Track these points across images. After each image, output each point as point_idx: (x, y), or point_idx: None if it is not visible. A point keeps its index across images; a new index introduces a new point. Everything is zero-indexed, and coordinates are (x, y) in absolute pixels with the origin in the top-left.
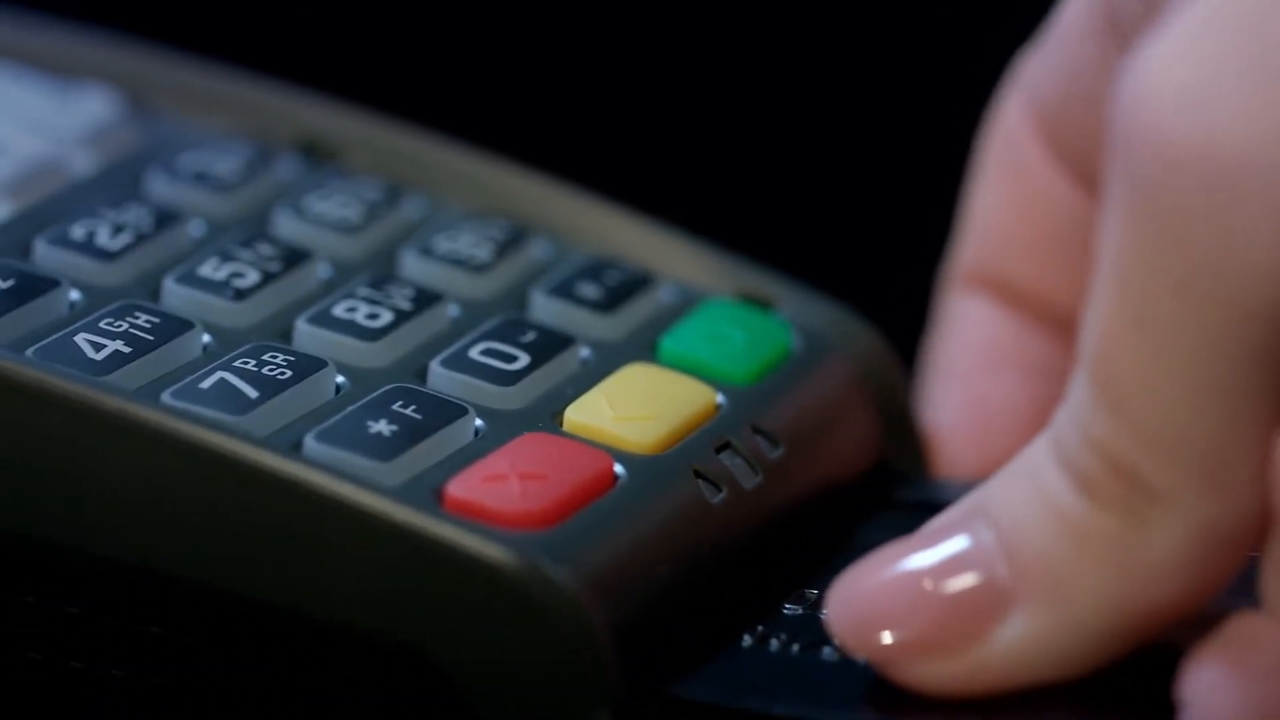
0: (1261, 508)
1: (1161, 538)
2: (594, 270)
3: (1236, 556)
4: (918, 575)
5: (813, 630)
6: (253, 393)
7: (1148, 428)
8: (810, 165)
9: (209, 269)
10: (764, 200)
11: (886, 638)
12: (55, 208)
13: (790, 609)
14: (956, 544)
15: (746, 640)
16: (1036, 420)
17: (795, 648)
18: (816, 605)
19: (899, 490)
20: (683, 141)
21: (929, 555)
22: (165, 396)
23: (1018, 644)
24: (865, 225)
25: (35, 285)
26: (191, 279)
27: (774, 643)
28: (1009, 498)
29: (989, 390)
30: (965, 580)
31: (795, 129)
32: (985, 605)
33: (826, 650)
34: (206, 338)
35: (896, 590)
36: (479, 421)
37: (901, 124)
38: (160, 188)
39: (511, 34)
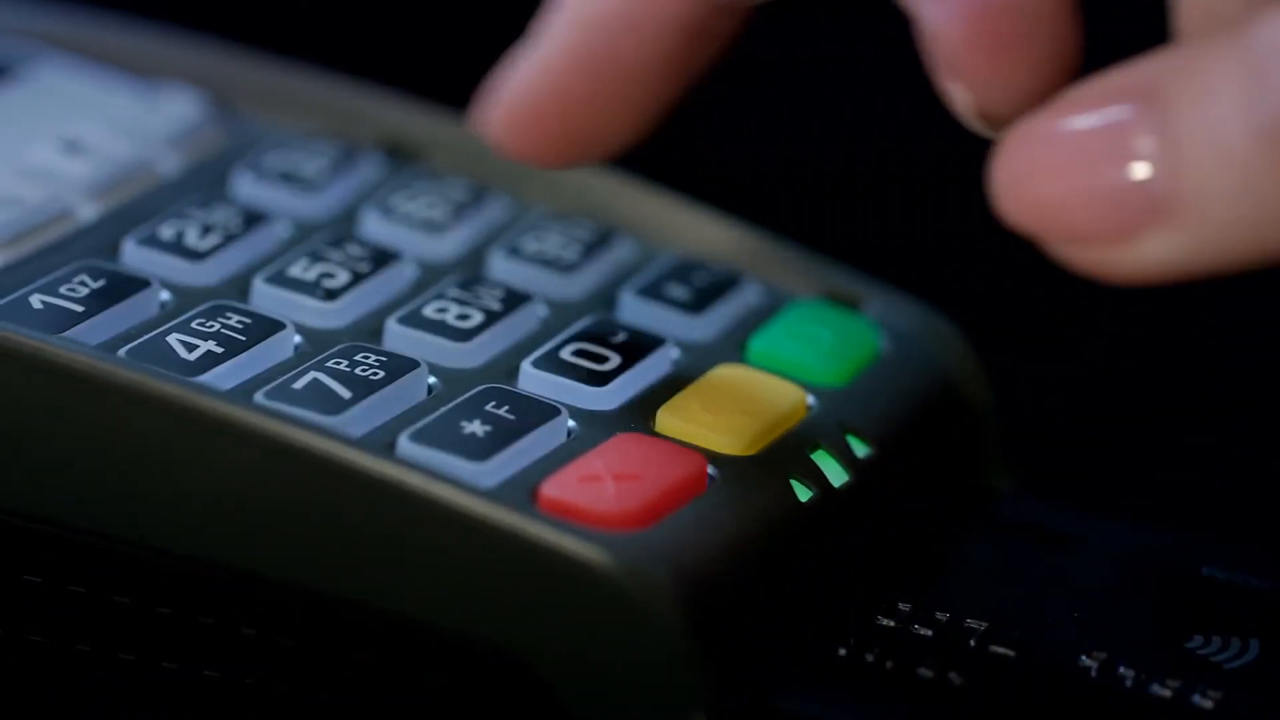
0: None
1: None
2: (682, 271)
3: None
4: (1078, 159)
5: (908, 646)
6: (346, 393)
7: None
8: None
9: (299, 269)
10: (804, 198)
11: (1040, 214)
12: (143, 208)
13: (883, 621)
14: (1118, 129)
15: (841, 651)
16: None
17: (890, 663)
18: (910, 620)
19: (992, 506)
20: (717, 137)
21: (1088, 136)
22: (259, 397)
23: (1163, 255)
24: (906, 220)
25: (126, 285)
26: (281, 279)
27: (867, 656)
28: (1186, 103)
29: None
30: (1119, 176)
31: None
32: (1137, 209)
33: (920, 668)
34: (298, 338)
35: (1055, 170)
36: (571, 422)
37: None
38: (246, 188)
39: None
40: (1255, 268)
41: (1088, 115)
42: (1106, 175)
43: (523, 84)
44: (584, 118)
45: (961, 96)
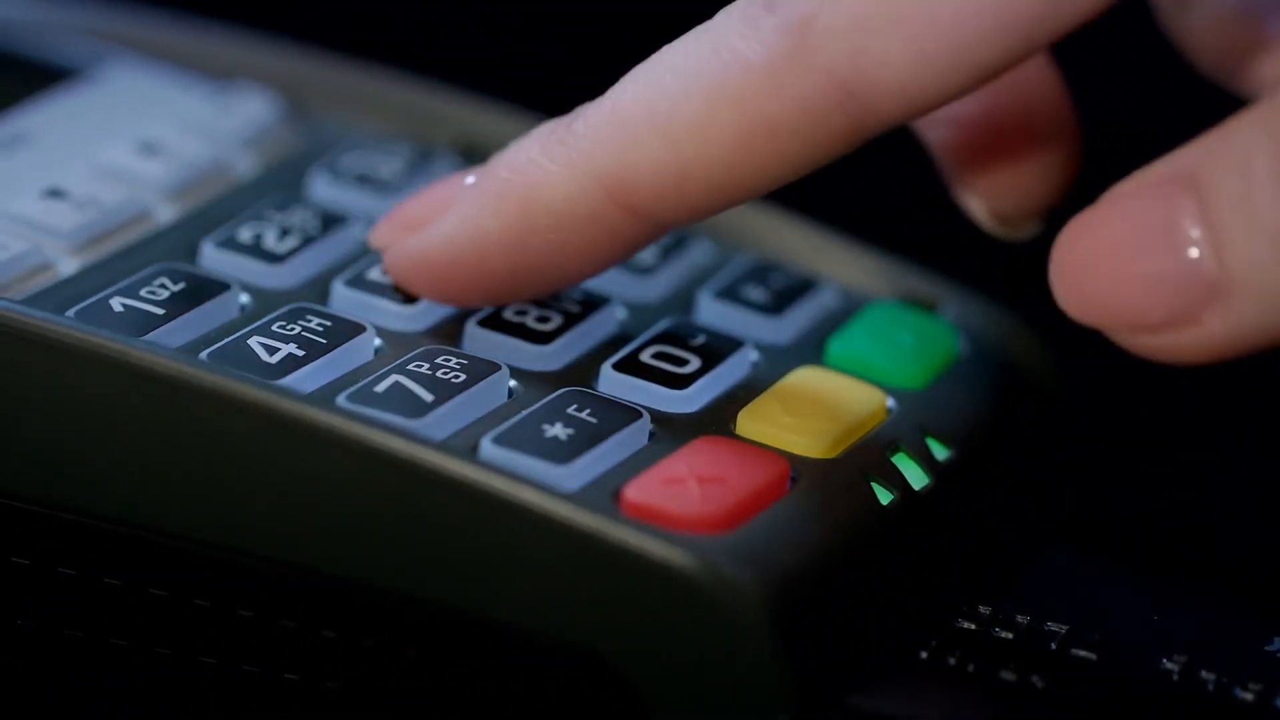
0: None
1: None
2: (759, 273)
3: None
4: (1129, 251)
5: (989, 648)
6: (428, 396)
7: None
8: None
9: (378, 272)
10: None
11: (1100, 307)
12: (220, 210)
13: (964, 624)
14: (1165, 220)
15: (922, 654)
16: None
17: (971, 666)
18: (991, 622)
19: (1071, 505)
20: None
21: (1138, 230)
22: (341, 400)
23: (1225, 334)
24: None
25: (206, 288)
26: (361, 282)
27: (949, 659)
28: (1220, 184)
29: None
30: (1170, 263)
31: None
32: (1192, 294)
33: (1002, 671)
34: (378, 341)
35: (1109, 264)
36: (652, 425)
37: None
38: (323, 189)
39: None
40: None
41: (1134, 207)
42: (1158, 264)
43: (445, 246)
44: (497, 291)
45: (977, 206)
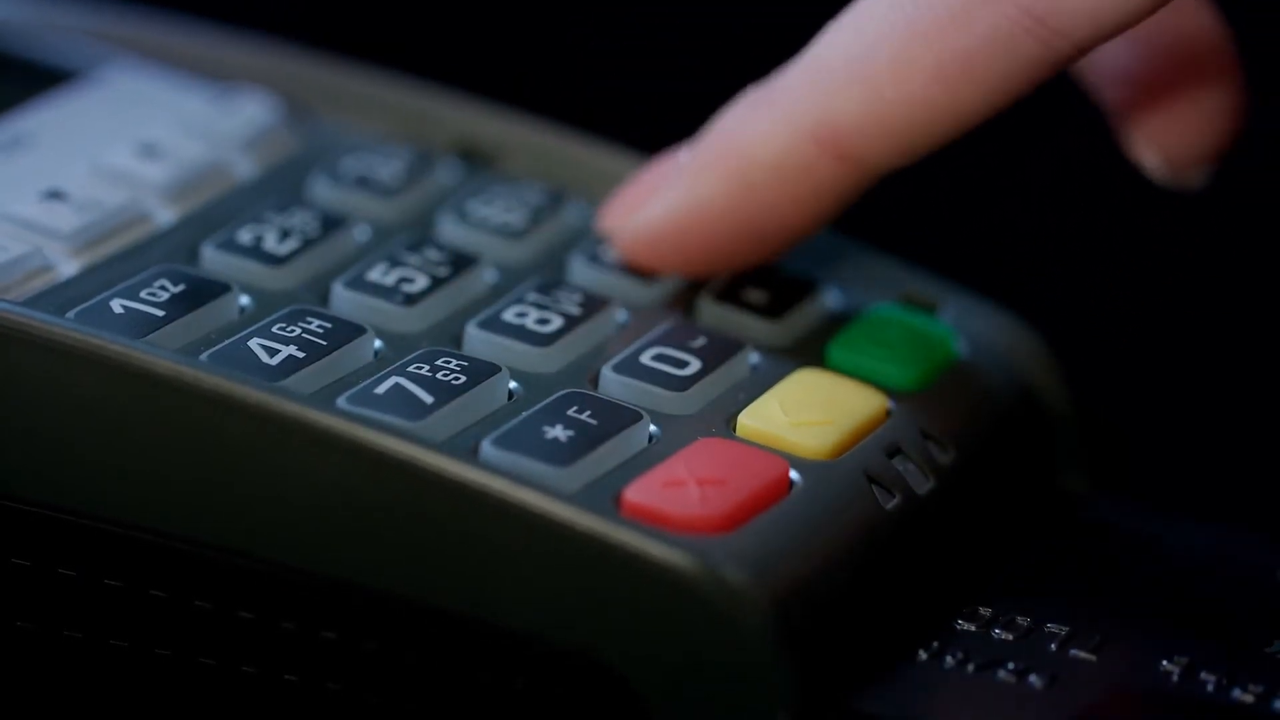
0: None
1: None
2: (760, 276)
3: None
4: None
5: (987, 649)
6: (428, 398)
7: None
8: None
9: (378, 274)
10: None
11: None
12: (219, 212)
13: (964, 625)
14: None
15: (921, 655)
16: None
17: (971, 667)
18: (990, 623)
19: (1071, 508)
20: None
21: None
22: (341, 402)
23: None
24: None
25: (206, 290)
26: (361, 284)
27: (949, 660)
28: None
29: None
30: None
31: None
32: None
33: (1001, 672)
34: (378, 343)
35: None
36: (653, 427)
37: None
38: (323, 192)
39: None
40: None
41: None
42: None
43: (669, 217)
44: (724, 255)
45: (1150, 156)
